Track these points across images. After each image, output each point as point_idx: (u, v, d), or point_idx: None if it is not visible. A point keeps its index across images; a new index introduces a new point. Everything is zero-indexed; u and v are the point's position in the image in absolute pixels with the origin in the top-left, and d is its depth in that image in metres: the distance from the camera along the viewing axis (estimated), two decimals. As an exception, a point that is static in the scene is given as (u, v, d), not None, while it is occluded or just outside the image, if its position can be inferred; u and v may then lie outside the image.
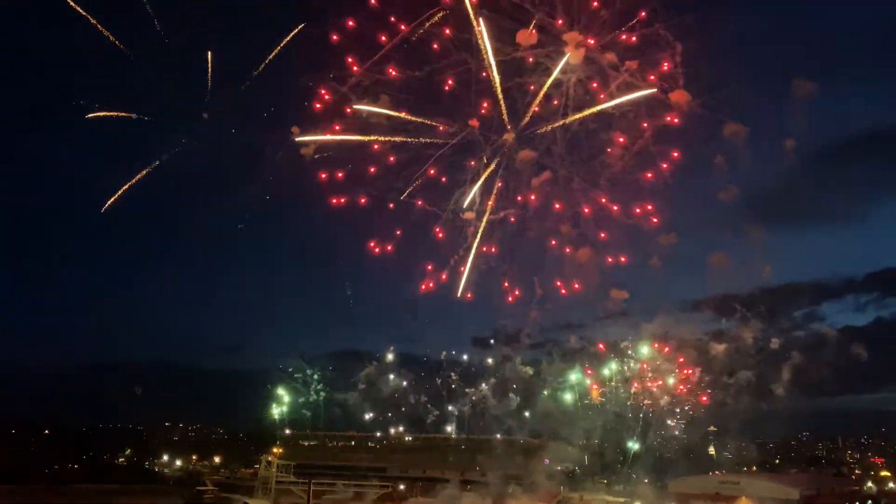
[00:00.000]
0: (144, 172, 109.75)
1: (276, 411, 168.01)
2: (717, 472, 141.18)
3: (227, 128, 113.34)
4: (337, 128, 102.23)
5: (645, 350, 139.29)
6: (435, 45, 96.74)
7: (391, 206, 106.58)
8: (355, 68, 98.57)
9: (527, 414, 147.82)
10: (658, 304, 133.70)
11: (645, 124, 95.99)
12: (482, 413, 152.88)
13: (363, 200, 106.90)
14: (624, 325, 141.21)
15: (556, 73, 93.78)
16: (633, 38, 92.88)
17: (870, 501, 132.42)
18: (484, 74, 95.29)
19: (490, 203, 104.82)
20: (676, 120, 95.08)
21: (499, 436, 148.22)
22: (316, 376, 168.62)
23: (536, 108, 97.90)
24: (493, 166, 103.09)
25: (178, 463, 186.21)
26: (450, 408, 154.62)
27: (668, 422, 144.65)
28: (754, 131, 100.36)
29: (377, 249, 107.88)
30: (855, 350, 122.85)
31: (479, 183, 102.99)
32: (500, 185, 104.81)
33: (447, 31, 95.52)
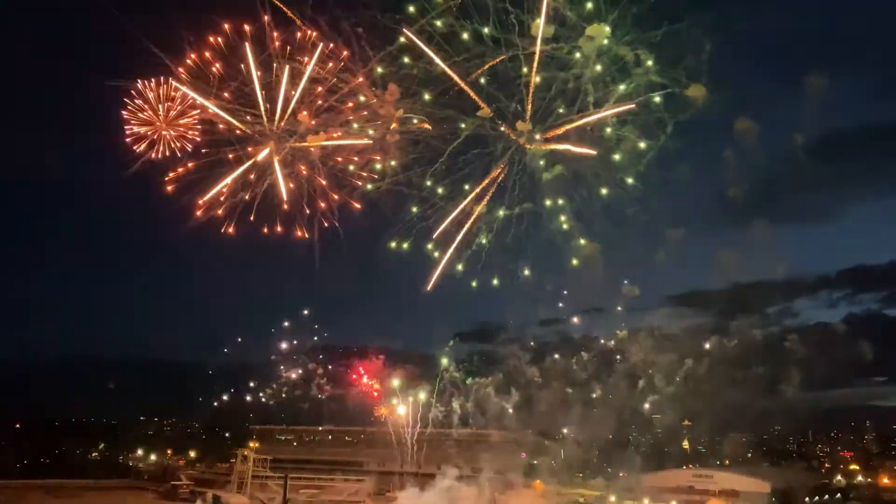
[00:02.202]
0: None
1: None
2: (690, 466, 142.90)
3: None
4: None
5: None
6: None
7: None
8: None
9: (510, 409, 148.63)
10: (634, 300, 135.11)
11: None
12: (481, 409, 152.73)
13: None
14: (601, 320, 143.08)
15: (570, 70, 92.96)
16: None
17: (839, 494, 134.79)
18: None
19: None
20: None
21: (475, 429, 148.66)
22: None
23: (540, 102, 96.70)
24: (505, 161, 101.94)
25: (153, 457, 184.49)
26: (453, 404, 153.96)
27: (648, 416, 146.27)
28: (731, 130, 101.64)
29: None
30: (827, 345, 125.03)
31: (495, 177, 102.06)
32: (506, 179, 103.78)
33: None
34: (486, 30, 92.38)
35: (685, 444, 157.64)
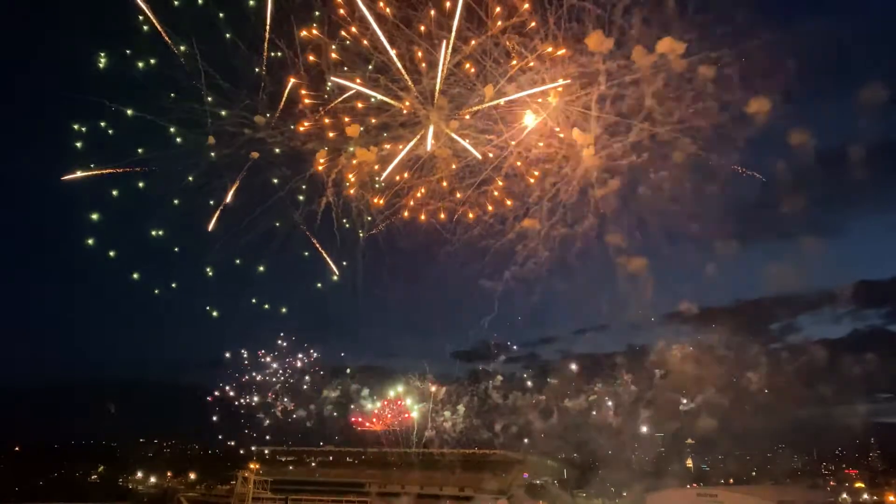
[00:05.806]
0: None
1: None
2: (694, 485, 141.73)
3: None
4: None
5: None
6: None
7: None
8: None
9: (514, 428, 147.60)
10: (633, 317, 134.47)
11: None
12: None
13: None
14: (602, 337, 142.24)
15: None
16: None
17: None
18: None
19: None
20: None
21: (477, 450, 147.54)
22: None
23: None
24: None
25: (153, 480, 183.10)
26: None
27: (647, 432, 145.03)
28: (732, 143, 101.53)
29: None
30: (831, 362, 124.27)
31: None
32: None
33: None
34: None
35: (689, 463, 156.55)
